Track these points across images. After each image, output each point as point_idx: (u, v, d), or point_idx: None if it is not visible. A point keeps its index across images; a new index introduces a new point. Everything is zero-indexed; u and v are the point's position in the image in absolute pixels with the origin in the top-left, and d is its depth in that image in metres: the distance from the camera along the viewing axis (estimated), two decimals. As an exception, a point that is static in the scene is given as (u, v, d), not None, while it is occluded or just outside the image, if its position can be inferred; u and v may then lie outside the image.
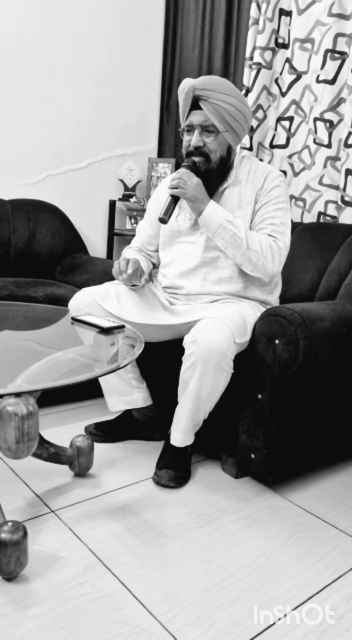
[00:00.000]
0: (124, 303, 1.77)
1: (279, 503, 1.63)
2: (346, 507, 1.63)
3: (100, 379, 1.87)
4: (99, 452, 1.82)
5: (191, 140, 1.67)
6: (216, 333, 1.52)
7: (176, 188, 1.63)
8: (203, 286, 1.74)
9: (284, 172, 2.53)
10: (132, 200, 3.07)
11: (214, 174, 1.69)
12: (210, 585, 1.26)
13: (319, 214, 2.38)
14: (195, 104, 1.64)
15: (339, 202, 2.30)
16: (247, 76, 2.57)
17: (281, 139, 2.54)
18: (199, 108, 1.64)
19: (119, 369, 1.34)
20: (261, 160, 2.60)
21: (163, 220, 1.65)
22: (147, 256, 1.95)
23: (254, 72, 2.53)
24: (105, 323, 1.60)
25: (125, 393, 1.88)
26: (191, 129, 1.68)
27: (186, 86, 1.63)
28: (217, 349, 1.51)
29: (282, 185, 1.74)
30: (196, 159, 1.67)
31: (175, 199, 1.66)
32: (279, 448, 1.63)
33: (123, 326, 1.61)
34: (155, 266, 1.97)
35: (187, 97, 1.64)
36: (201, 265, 1.74)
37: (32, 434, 1.14)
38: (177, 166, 3.03)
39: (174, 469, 1.68)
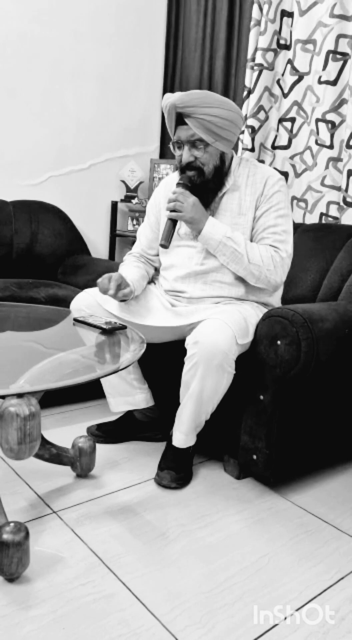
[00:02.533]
0: (126, 304, 1.77)
1: (281, 504, 1.63)
2: (348, 508, 1.63)
3: (102, 380, 1.87)
4: (101, 453, 1.82)
5: (182, 156, 1.66)
6: (218, 334, 1.52)
7: (173, 211, 1.63)
8: (204, 290, 1.74)
9: (286, 173, 2.53)
10: (134, 201, 3.07)
11: (210, 184, 1.69)
12: (212, 586, 1.26)
13: (321, 214, 2.38)
14: (180, 119, 1.62)
15: (341, 203, 2.30)
16: (249, 77, 2.58)
17: (282, 140, 2.54)
18: (185, 123, 1.61)
19: (120, 369, 1.34)
20: (263, 161, 2.60)
21: (164, 246, 1.65)
22: (148, 262, 1.94)
23: (255, 73, 2.53)
24: (107, 324, 1.60)
25: (127, 394, 1.88)
26: (180, 144, 1.66)
27: (166, 104, 1.61)
28: (219, 350, 1.51)
29: (282, 190, 1.72)
30: (190, 173, 1.66)
31: (174, 222, 1.66)
32: (281, 449, 1.62)
33: (125, 327, 1.61)
34: (156, 270, 1.96)
35: (170, 115, 1.62)
36: (202, 271, 1.74)
37: (34, 434, 1.14)
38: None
39: (176, 470, 1.68)
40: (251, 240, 1.73)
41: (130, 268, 1.86)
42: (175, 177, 1.80)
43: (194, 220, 1.64)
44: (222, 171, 1.70)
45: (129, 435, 1.96)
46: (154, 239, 1.89)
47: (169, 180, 1.88)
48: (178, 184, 1.66)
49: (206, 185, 1.68)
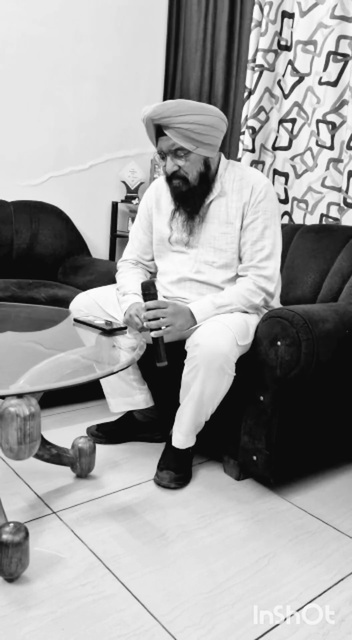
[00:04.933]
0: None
1: (280, 505, 1.63)
2: (348, 509, 1.63)
3: (102, 381, 1.87)
4: (101, 454, 1.82)
5: (166, 166, 1.66)
6: (218, 336, 1.52)
7: (160, 329, 1.52)
8: (202, 293, 1.74)
9: (286, 174, 2.53)
10: (135, 201, 3.08)
11: (196, 191, 1.68)
12: (211, 587, 1.26)
13: (322, 215, 2.38)
14: (160, 130, 1.62)
15: (342, 204, 2.30)
16: (250, 78, 2.58)
17: (283, 141, 2.54)
18: (165, 133, 1.61)
19: (120, 370, 1.34)
20: (263, 162, 2.60)
21: (164, 366, 1.54)
22: (145, 268, 1.92)
23: (256, 74, 2.53)
24: (107, 324, 1.60)
25: (127, 394, 1.88)
26: (163, 155, 1.67)
27: (143, 118, 1.62)
28: (220, 352, 1.50)
29: (268, 197, 1.70)
30: (175, 182, 1.67)
31: (162, 338, 1.54)
32: (280, 450, 1.62)
33: (125, 327, 1.61)
34: (152, 274, 1.96)
35: (148, 127, 1.63)
36: (197, 279, 1.74)
37: (34, 435, 1.14)
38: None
39: (175, 470, 1.68)
40: (239, 250, 1.71)
41: (130, 276, 1.83)
42: (163, 180, 1.79)
43: (183, 327, 1.58)
44: (208, 176, 1.69)
45: (129, 436, 1.96)
46: (148, 243, 1.88)
47: (159, 183, 1.87)
48: (144, 295, 1.56)
49: (193, 191, 1.68)
